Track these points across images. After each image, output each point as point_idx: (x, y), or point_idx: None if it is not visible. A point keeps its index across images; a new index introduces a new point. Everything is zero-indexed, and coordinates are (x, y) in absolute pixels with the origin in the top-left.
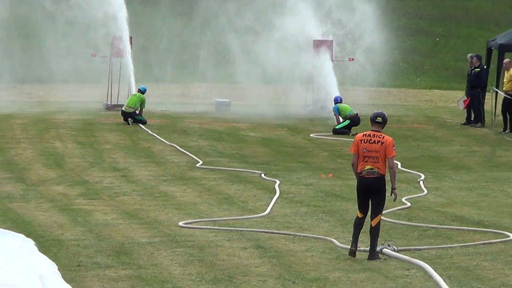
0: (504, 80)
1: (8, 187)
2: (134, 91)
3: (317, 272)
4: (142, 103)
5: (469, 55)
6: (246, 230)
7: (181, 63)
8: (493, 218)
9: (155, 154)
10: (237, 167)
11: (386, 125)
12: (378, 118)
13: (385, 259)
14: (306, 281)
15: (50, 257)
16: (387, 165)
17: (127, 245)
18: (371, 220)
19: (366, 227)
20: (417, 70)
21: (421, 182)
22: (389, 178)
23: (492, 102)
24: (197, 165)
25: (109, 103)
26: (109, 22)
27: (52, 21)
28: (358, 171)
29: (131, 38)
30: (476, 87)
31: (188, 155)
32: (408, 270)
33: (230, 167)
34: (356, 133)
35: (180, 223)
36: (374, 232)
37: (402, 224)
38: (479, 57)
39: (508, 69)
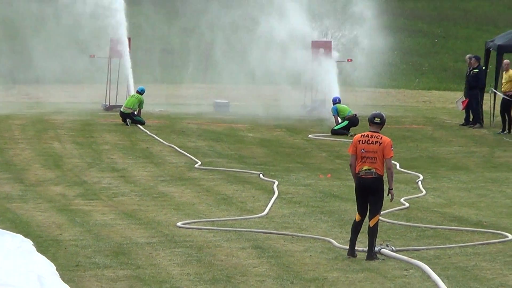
0: (503, 81)
1: (6, 187)
2: (132, 92)
3: (315, 272)
4: (140, 103)
5: (467, 56)
6: (245, 231)
7: (179, 64)
8: (492, 219)
9: (153, 155)
10: (236, 168)
11: (384, 126)
12: (376, 119)
13: (383, 259)
14: (305, 281)
15: (48, 257)
16: (385, 165)
17: (125, 245)
18: (369, 220)
19: (364, 227)
20: (416, 71)
21: (419, 183)
22: (386, 178)
23: (490, 103)
24: (196, 165)
25: (108, 103)
26: (108, 23)
27: (50, 22)
28: (356, 171)
29: (129, 39)
30: (474, 88)
31: (186, 155)
32: (406, 270)
33: (229, 168)
34: (355, 134)
35: (179, 224)
36: (372, 232)
37: (400, 224)
38: (477, 58)
39: (507, 70)
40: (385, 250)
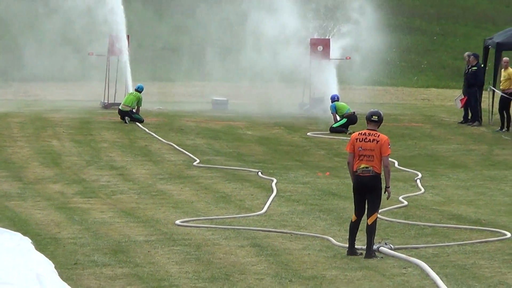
0: (501, 79)
1: (5, 185)
2: (131, 89)
3: (314, 271)
4: (139, 101)
5: (466, 53)
6: (243, 229)
7: (178, 62)
8: (490, 217)
9: (152, 153)
10: (234, 166)
11: (383, 124)
12: (373, 117)
13: (382, 257)
14: (303, 279)
15: (47, 256)
16: (382, 163)
17: (124, 243)
18: (367, 218)
19: (362, 225)
20: (414, 69)
21: (418, 181)
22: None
23: (489, 101)
24: (194, 163)
25: (106, 101)
26: (106, 20)
27: (48, 19)
28: (354, 169)
29: (128, 36)
30: (473, 86)
31: (185, 153)
32: (405, 268)
33: (227, 166)
34: (353, 132)
35: (177, 222)
36: (371, 230)
37: (399, 222)
38: (476, 56)
39: (506, 68)
40: (383, 248)
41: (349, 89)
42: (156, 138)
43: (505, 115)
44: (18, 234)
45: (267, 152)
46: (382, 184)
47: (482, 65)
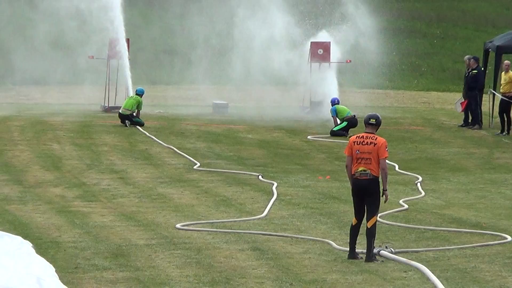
0: (502, 82)
1: (5, 189)
2: (131, 93)
3: (314, 274)
4: (139, 105)
5: (466, 57)
6: (244, 232)
7: (179, 65)
8: (491, 220)
9: (152, 156)
10: (235, 169)
11: (383, 127)
12: (371, 120)
13: (382, 261)
14: (304, 283)
15: (47, 259)
16: (379, 166)
17: (124, 247)
18: (367, 222)
19: (362, 229)
20: (415, 72)
21: (418, 184)
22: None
23: (489, 104)
24: (195, 167)
25: (107, 105)
26: (107, 24)
27: (49, 22)
28: (352, 172)
29: (128, 40)
30: (473, 89)
31: (185, 157)
32: (405, 272)
33: (228, 169)
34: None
35: (178, 225)
36: (370, 234)
37: (399, 226)
38: (476, 59)
39: (507, 71)
40: (384, 252)
41: (350, 93)
42: (157, 141)
43: (506, 119)
44: (19, 238)
45: (267, 156)
46: (380, 187)
47: (482, 68)
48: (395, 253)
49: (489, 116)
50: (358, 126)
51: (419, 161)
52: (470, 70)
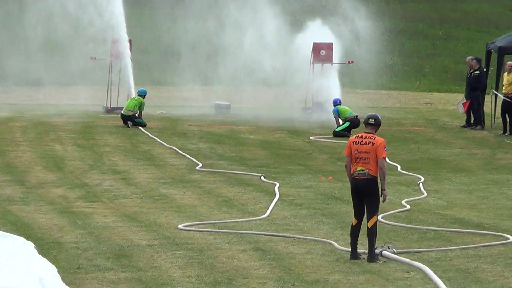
0: (504, 83)
1: (7, 189)
2: (134, 94)
3: (316, 275)
4: (141, 106)
5: (468, 57)
6: (246, 233)
7: (180, 66)
8: (493, 221)
9: (154, 157)
10: (237, 170)
11: (386, 128)
12: (370, 120)
13: (384, 261)
14: (306, 284)
15: (49, 260)
16: (378, 165)
17: (126, 247)
18: (367, 221)
19: (363, 229)
20: (417, 73)
21: (420, 185)
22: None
23: (491, 105)
24: (197, 167)
25: (109, 106)
26: (109, 24)
27: (50, 23)
28: (351, 172)
29: (130, 40)
30: (475, 90)
31: (187, 157)
32: (407, 272)
33: (230, 170)
34: None
35: (180, 226)
36: (372, 233)
37: (401, 226)
38: (478, 60)
39: (509, 72)
40: (386, 252)
41: (352, 93)
42: (159, 142)
43: (508, 119)
44: (21, 238)
45: (269, 156)
46: (379, 187)
47: (485, 69)
48: (397, 254)
49: (491, 116)
50: (360, 127)
51: (421, 162)
52: (472, 71)
